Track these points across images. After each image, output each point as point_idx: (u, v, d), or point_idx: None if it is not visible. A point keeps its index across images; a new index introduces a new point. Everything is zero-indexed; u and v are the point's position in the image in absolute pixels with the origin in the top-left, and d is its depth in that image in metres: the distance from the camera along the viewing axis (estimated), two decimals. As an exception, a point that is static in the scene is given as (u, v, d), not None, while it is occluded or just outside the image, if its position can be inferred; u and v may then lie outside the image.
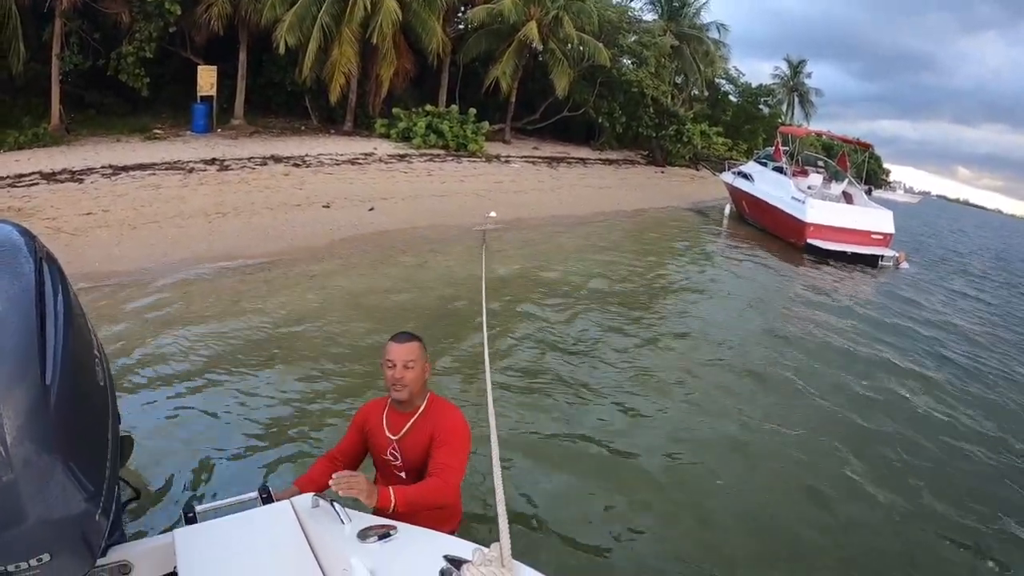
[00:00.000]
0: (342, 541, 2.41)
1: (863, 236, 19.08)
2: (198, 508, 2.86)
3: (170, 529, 2.64)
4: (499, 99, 27.72)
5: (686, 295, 12.64)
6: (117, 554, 2.42)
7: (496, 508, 1.99)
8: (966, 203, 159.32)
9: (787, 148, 24.42)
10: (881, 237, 19.39)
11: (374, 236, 13.72)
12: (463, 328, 8.74)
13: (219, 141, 19.38)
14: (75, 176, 13.91)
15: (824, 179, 22.74)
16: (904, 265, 19.42)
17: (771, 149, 25.33)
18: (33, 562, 1.89)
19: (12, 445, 1.76)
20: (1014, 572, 5.01)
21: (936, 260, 24.03)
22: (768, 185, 21.99)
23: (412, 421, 3.06)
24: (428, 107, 24.80)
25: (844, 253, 18.40)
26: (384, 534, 2.40)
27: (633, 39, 31.55)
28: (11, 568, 1.88)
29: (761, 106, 46.72)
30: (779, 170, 22.45)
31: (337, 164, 19.20)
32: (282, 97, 24.20)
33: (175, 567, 2.38)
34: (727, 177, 25.57)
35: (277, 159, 18.28)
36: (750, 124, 44.08)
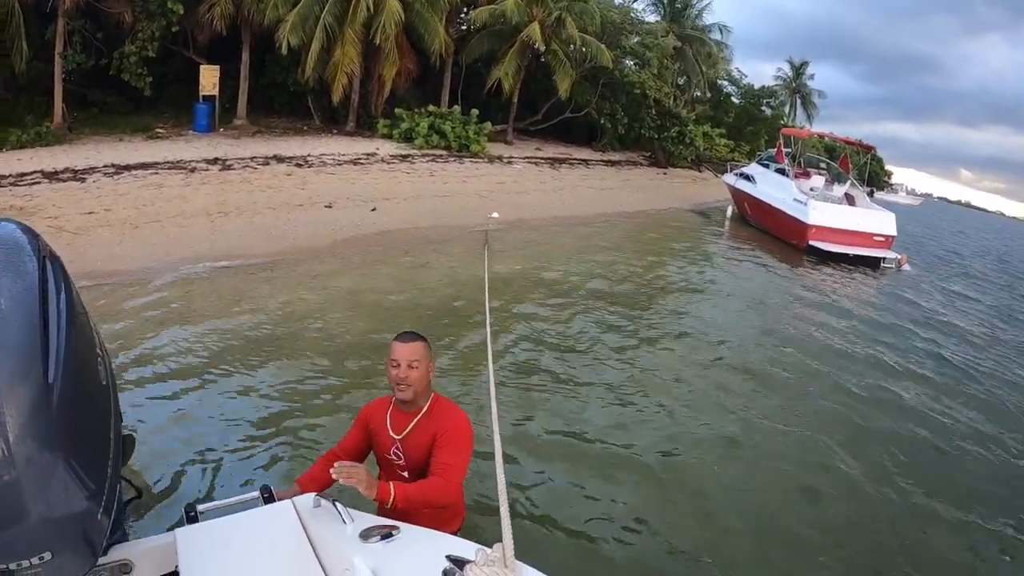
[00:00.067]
0: (344, 541, 2.40)
1: (865, 238, 19.06)
2: (200, 507, 2.86)
3: (172, 528, 2.64)
4: (501, 100, 27.72)
5: (687, 296, 12.63)
6: (118, 553, 2.42)
7: (499, 508, 1.98)
8: (968, 205, 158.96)
9: (789, 150, 24.41)
10: (883, 239, 19.37)
11: (376, 236, 13.72)
12: (464, 327, 8.74)
13: (221, 141, 19.39)
14: (77, 175, 13.92)
15: (826, 181, 22.70)
16: (906, 267, 19.41)
17: (773, 151, 25.30)
18: (35, 560, 1.89)
19: (14, 443, 1.76)
20: (1014, 572, 5.01)
21: (938, 262, 24.01)
22: (770, 187, 21.97)
23: (415, 421, 3.06)
24: (431, 107, 24.80)
25: (846, 255, 18.38)
26: (386, 534, 2.39)
27: (635, 40, 31.54)
28: (12, 566, 1.88)
29: (763, 108, 46.65)
30: (781, 172, 22.43)
31: (339, 164, 19.20)
32: (285, 97, 24.21)
33: (176, 566, 2.38)
34: (729, 179, 25.56)
35: (279, 159, 18.29)
36: (752, 126, 44.02)
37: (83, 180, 13.67)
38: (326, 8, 20.47)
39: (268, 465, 5.04)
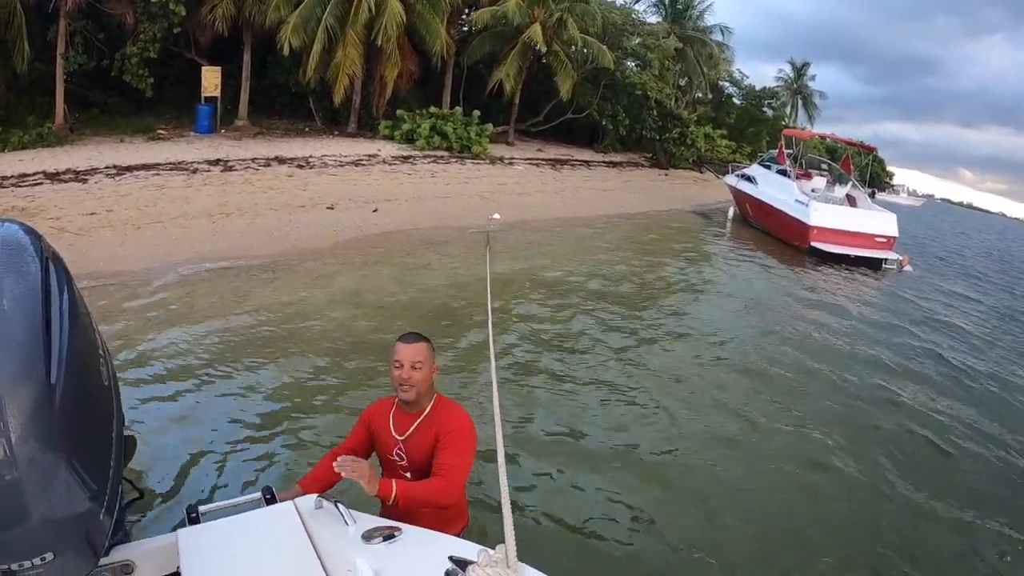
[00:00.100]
0: (346, 542, 2.40)
1: (867, 239, 19.06)
2: (201, 508, 2.85)
3: (174, 529, 2.64)
4: (503, 101, 27.72)
5: (688, 296, 12.63)
6: (120, 553, 2.42)
7: (502, 509, 1.98)
8: (970, 206, 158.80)
9: (791, 151, 24.42)
10: (885, 240, 19.36)
11: (378, 237, 13.73)
12: (465, 327, 8.75)
13: (223, 142, 19.40)
14: (79, 176, 13.93)
15: (828, 182, 22.71)
16: (907, 268, 19.38)
17: (775, 152, 25.31)
18: (37, 561, 1.89)
19: (17, 443, 1.76)
20: (1014, 571, 5.00)
21: (939, 263, 24.00)
22: (772, 188, 21.97)
23: (418, 422, 3.05)
24: (432, 109, 24.83)
25: (847, 256, 18.38)
26: (389, 535, 2.39)
27: (637, 41, 31.55)
28: (15, 567, 1.87)
29: (765, 109, 46.61)
30: (783, 173, 22.44)
31: (341, 165, 19.21)
32: (286, 98, 24.23)
33: (178, 567, 2.38)
34: (731, 180, 25.57)
35: (281, 160, 18.30)
36: (754, 127, 44.01)
37: (85, 181, 13.68)
38: (327, 9, 20.48)
39: (270, 466, 5.04)
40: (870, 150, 25.09)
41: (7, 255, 2.03)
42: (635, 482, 5.41)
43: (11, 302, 1.92)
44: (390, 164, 20.75)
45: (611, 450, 5.92)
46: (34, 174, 13.59)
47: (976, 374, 10.00)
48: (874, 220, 19.73)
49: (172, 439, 5.28)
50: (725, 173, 28.27)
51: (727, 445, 6.33)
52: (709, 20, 39.41)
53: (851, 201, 21.27)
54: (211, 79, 20.44)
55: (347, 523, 2.48)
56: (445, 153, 23.56)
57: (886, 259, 18.86)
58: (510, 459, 5.15)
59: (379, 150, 21.92)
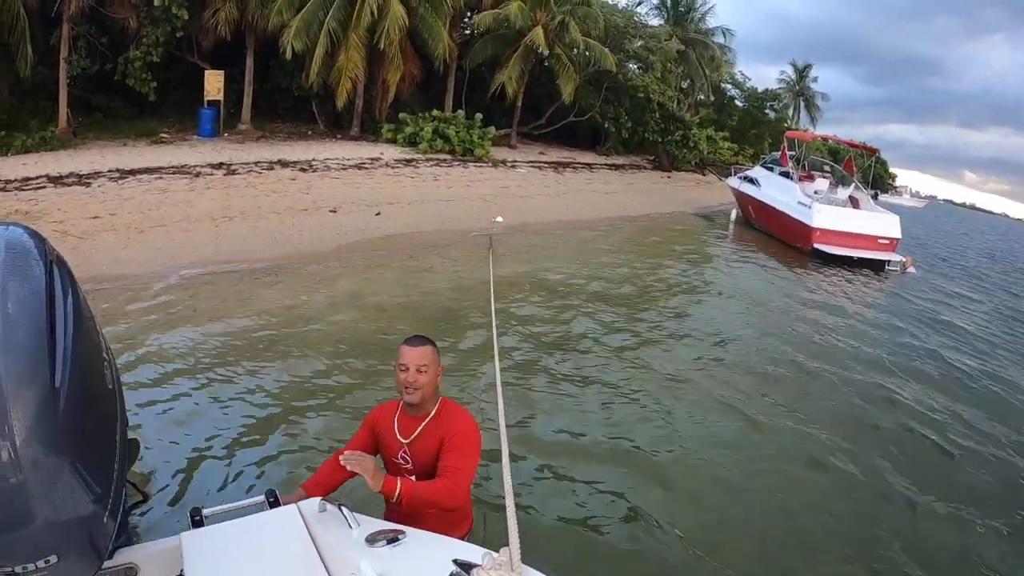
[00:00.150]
0: (350, 545, 2.40)
1: (870, 241, 19.05)
2: (205, 511, 2.86)
3: (177, 533, 2.64)
4: (505, 104, 27.76)
5: (691, 298, 12.63)
6: (124, 557, 2.42)
7: (506, 512, 1.98)
8: (973, 207, 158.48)
9: (793, 153, 24.41)
10: (888, 242, 19.35)
11: (381, 240, 13.74)
12: (467, 329, 8.76)
13: (226, 145, 19.43)
14: (82, 179, 13.95)
15: (830, 184, 22.68)
16: (911, 270, 19.35)
17: (777, 154, 25.32)
18: (40, 564, 1.89)
19: (21, 446, 1.76)
20: (1016, 572, 5.00)
21: (943, 265, 23.96)
22: (774, 190, 21.96)
23: (423, 425, 3.05)
24: (435, 112, 24.85)
25: (850, 258, 18.36)
26: (392, 538, 2.39)
27: (639, 44, 31.60)
28: (19, 569, 1.87)
29: (767, 111, 46.58)
30: (785, 175, 22.43)
31: (344, 169, 19.23)
32: (289, 102, 24.26)
33: (182, 570, 2.37)
34: (733, 182, 25.54)
35: (284, 164, 18.32)
36: (756, 129, 43.99)
37: (88, 185, 13.71)
38: (330, 13, 20.52)
39: (273, 469, 5.04)
40: (872, 151, 25.08)
41: (12, 259, 2.03)
42: (638, 483, 5.41)
43: (16, 306, 1.92)
44: (393, 167, 20.76)
45: (614, 451, 5.93)
46: (37, 178, 13.62)
47: (978, 375, 9.99)
48: (877, 222, 19.71)
49: (175, 442, 5.28)
50: (727, 175, 28.24)
51: (729, 446, 6.33)
52: (711, 22, 39.61)
53: (854, 203, 21.25)
54: (214, 83, 20.48)
55: (351, 526, 2.48)
56: (448, 156, 23.57)
57: (889, 261, 18.84)
58: (514, 461, 5.15)
59: (382, 153, 21.94)
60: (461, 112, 25.46)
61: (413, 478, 3.08)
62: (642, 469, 5.70)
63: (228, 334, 7.80)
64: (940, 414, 7.96)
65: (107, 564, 2.27)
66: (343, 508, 2.57)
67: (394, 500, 2.71)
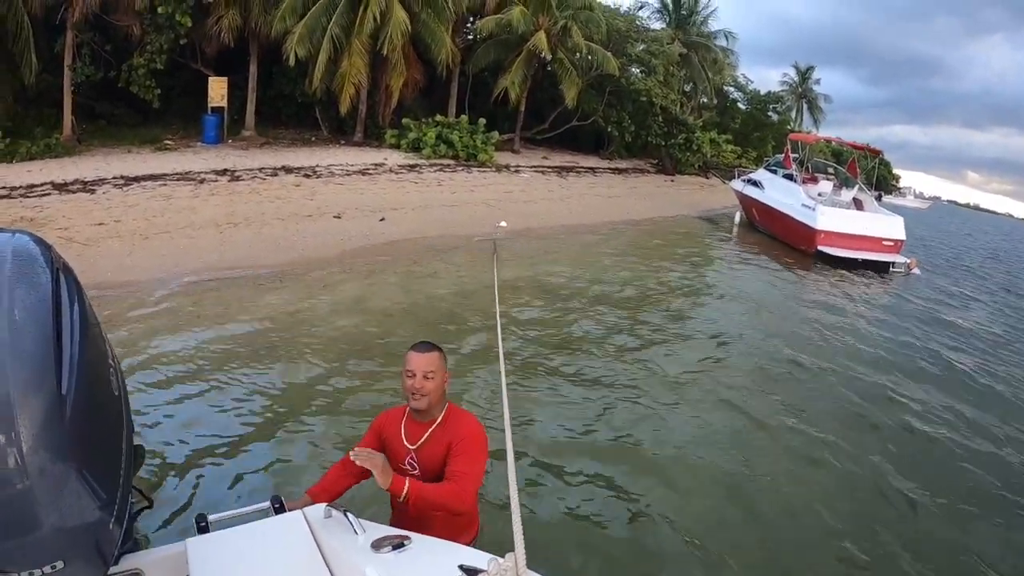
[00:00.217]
0: (355, 551, 2.39)
1: (874, 243, 19.03)
2: (210, 517, 2.86)
3: (183, 538, 2.64)
4: (508, 109, 27.76)
5: (695, 301, 12.62)
6: (130, 562, 2.42)
7: (511, 517, 1.98)
8: (976, 208, 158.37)
9: (797, 155, 24.37)
10: (892, 243, 19.33)
11: (385, 246, 13.75)
12: (471, 333, 8.77)
13: (230, 152, 19.48)
14: (87, 186, 13.99)
15: (834, 186, 22.68)
16: (915, 271, 19.32)
17: (781, 156, 25.27)
18: (47, 569, 1.89)
19: (28, 453, 1.77)
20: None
21: (947, 266, 23.91)
22: (778, 192, 21.95)
23: (430, 431, 3.04)
24: (438, 117, 24.87)
25: (855, 260, 18.34)
26: (398, 544, 2.38)
27: (641, 48, 31.60)
28: (25, 575, 1.88)
29: (770, 113, 46.58)
30: (789, 177, 22.41)
31: (348, 175, 19.25)
32: (292, 108, 24.31)
33: None
34: (737, 185, 25.54)
35: (288, 170, 18.35)
36: (759, 131, 43.99)
37: (93, 191, 13.75)
38: (333, 19, 20.55)
39: (279, 475, 5.05)
40: (876, 153, 25.05)
41: (18, 266, 2.04)
42: (642, 484, 5.42)
43: (22, 313, 1.93)
44: (396, 173, 20.78)
45: (618, 452, 5.94)
46: (42, 185, 13.67)
47: (981, 374, 10.00)
48: (881, 223, 19.69)
49: (181, 447, 5.30)
50: (731, 178, 28.25)
51: (733, 446, 6.34)
52: (713, 25, 39.63)
53: (858, 205, 21.24)
54: (218, 89, 20.54)
55: (356, 532, 2.48)
56: (451, 161, 23.59)
57: (893, 262, 18.82)
58: (517, 463, 5.15)
59: (385, 159, 21.96)
60: (464, 117, 25.48)
61: (420, 484, 3.08)
62: (646, 470, 5.71)
63: (232, 339, 7.82)
64: (943, 414, 7.96)
65: (113, 570, 2.26)
66: (348, 514, 2.57)
67: (401, 499, 2.70)
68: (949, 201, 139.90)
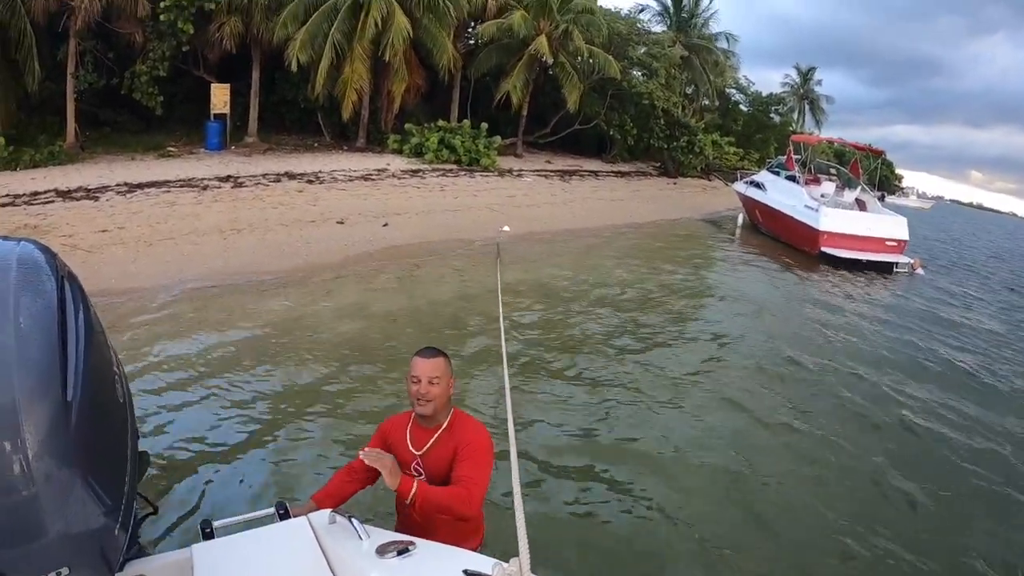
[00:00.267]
0: (360, 557, 2.39)
1: (877, 243, 19.01)
2: (215, 524, 2.86)
3: (188, 545, 2.64)
4: (510, 113, 27.78)
5: (698, 303, 12.61)
6: (135, 569, 2.42)
7: (516, 522, 1.98)
8: (980, 207, 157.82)
9: (799, 156, 24.37)
10: (895, 244, 19.31)
11: (388, 251, 13.77)
12: (475, 337, 8.78)
13: (233, 158, 19.53)
14: (90, 194, 14.04)
15: (837, 187, 22.65)
16: (919, 271, 19.28)
17: (783, 158, 25.28)
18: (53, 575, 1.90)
19: (34, 460, 1.78)
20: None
21: (951, 265, 23.84)
22: (781, 194, 21.93)
23: (436, 437, 3.03)
24: (440, 122, 24.91)
25: (859, 261, 18.31)
26: (403, 549, 2.38)
27: (643, 51, 31.62)
28: (30, 581, 1.88)
29: (772, 115, 46.61)
30: (791, 179, 22.41)
31: (350, 180, 19.28)
32: (295, 114, 24.36)
33: None
34: (739, 187, 25.51)
35: (291, 176, 18.39)
36: (761, 133, 44.00)
37: (96, 199, 13.79)
38: (335, 25, 20.60)
39: (283, 480, 5.05)
40: (878, 153, 25.02)
41: (24, 274, 2.05)
42: (648, 489, 5.40)
43: (28, 320, 1.94)
44: (399, 178, 20.81)
45: (623, 457, 5.92)
46: (46, 192, 13.72)
47: (985, 374, 9.99)
48: (884, 224, 19.67)
49: (185, 453, 5.31)
50: (733, 180, 28.21)
51: (738, 448, 6.33)
52: (714, 28, 39.64)
53: (861, 205, 21.21)
54: (220, 96, 20.60)
55: (361, 538, 2.48)
56: (454, 166, 23.61)
57: (897, 263, 18.79)
58: (523, 470, 5.15)
59: (388, 164, 22.00)
60: (467, 122, 25.52)
61: (427, 490, 3.08)
62: (648, 471, 5.71)
63: (236, 345, 7.83)
64: (946, 414, 7.95)
65: (118, 576, 2.27)
66: (353, 520, 2.57)
67: (408, 501, 2.71)
68: (952, 200, 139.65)
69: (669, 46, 32.35)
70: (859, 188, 22.21)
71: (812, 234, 19.02)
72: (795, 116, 53.94)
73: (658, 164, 35.35)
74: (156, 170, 16.73)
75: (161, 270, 10.62)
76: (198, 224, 13.20)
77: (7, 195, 13.21)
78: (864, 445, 6.73)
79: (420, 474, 3.05)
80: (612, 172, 31.89)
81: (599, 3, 30.98)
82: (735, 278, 15.60)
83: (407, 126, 24.18)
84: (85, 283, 2.33)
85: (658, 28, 36.98)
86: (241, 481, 5.02)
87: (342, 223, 15.04)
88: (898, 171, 76.30)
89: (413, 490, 2.69)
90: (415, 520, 2.93)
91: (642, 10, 37.55)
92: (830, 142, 32.89)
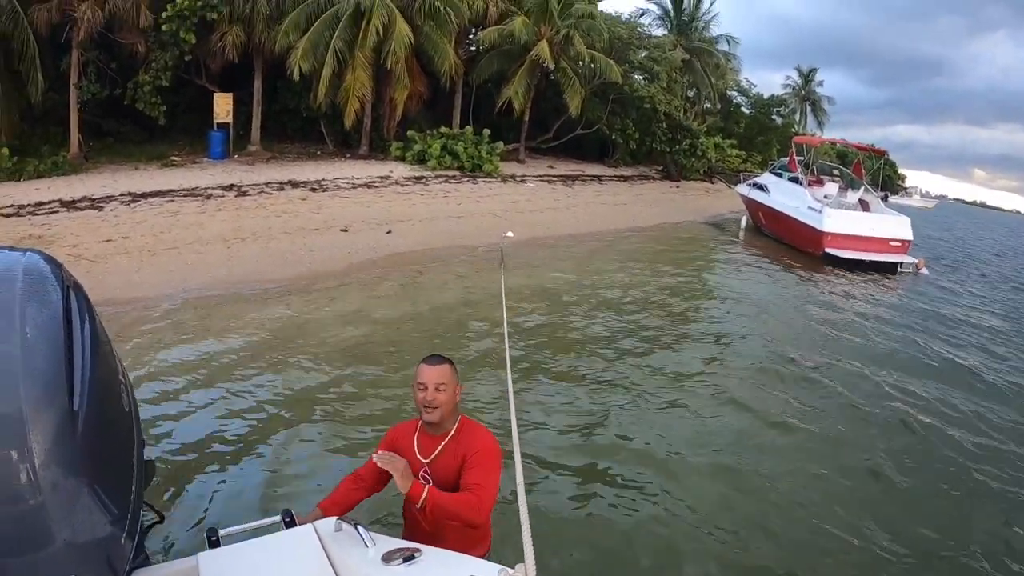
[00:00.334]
0: (366, 564, 2.39)
1: (881, 243, 18.97)
2: (221, 532, 2.85)
3: (194, 553, 2.64)
4: (512, 119, 27.83)
5: (702, 306, 12.60)
6: (141, 577, 2.43)
7: (521, 528, 1.98)
8: (983, 205, 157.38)
9: (801, 158, 24.36)
10: (899, 244, 19.27)
11: (392, 258, 13.77)
12: (478, 341, 8.80)
13: (236, 167, 19.58)
14: (94, 203, 14.09)
15: (840, 188, 22.65)
16: (923, 271, 19.24)
17: (785, 159, 25.27)
18: (59, 583, 1.91)
19: (40, 468, 1.79)
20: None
21: (955, 265, 23.76)
22: (784, 196, 21.91)
23: (443, 444, 3.02)
24: (442, 129, 24.95)
25: (863, 261, 18.28)
26: (409, 556, 2.38)
27: (644, 55, 31.67)
28: (37, 589, 1.89)
29: (774, 116, 46.61)
30: (794, 180, 22.39)
31: (353, 188, 19.32)
32: (297, 123, 24.45)
33: None
34: (742, 189, 25.49)
35: (294, 184, 18.43)
36: (763, 135, 44.01)
37: (100, 208, 13.84)
38: (336, 34, 20.68)
39: (289, 487, 5.04)
40: (881, 153, 25.00)
41: (30, 284, 2.07)
42: (653, 494, 5.39)
43: (34, 330, 1.95)
44: (402, 185, 20.84)
45: (628, 461, 5.90)
46: (50, 202, 13.77)
47: (989, 372, 9.92)
48: (888, 224, 19.64)
49: (191, 461, 5.31)
50: (736, 183, 28.21)
51: (741, 449, 6.33)
52: (714, 30, 39.76)
53: (864, 206, 21.19)
54: (223, 105, 20.68)
55: (367, 545, 2.47)
56: (457, 173, 23.63)
57: (901, 263, 18.75)
58: (528, 475, 5.15)
59: (391, 171, 22.03)
60: (469, 128, 25.56)
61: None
62: (652, 471, 5.71)
63: (240, 352, 7.84)
64: (950, 413, 7.93)
65: (125, 584, 2.27)
66: (359, 527, 2.56)
67: (419, 505, 2.71)
68: (955, 199, 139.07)
69: (670, 50, 32.38)
70: (862, 189, 22.19)
71: (816, 235, 19.00)
72: (797, 118, 53.93)
73: (661, 168, 35.37)
74: (160, 180, 16.78)
75: (165, 279, 10.65)
76: (202, 233, 13.23)
77: (12, 205, 13.27)
78: (867, 444, 6.72)
79: (429, 482, 3.05)
80: (615, 176, 31.89)
81: (600, 7, 31.01)
82: (738, 280, 15.58)
83: (409, 133, 24.24)
84: (90, 293, 2.35)
85: (659, 32, 37.05)
86: (247, 489, 5.01)
87: (345, 231, 15.06)
88: (901, 171, 76.32)
89: (424, 494, 2.70)
90: (423, 527, 2.93)
91: (643, 14, 37.74)
92: (832, 143, 32.91)
